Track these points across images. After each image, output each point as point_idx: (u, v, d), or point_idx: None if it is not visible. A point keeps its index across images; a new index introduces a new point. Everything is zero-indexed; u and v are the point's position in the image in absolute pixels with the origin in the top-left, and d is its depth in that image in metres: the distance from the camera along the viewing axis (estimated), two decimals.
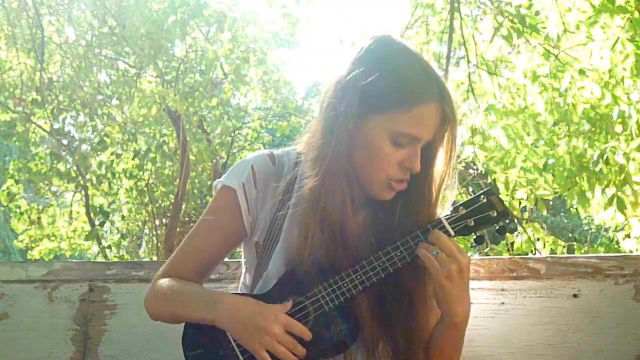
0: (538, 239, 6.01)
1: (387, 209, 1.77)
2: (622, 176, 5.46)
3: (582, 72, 5.51)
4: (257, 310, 1.63)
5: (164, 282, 1.81)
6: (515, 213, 5.90)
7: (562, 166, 6.02)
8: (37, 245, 11.31)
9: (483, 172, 6.16)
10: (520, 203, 6.26)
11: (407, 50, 1.75)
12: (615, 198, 5.50)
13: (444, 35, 6.10)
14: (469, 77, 5.83)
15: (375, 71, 1.67)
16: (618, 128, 5.71)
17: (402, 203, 1.77)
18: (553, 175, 6.12)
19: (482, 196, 1.72)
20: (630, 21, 5.04)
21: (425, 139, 1.70)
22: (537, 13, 5.98)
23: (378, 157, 1.68)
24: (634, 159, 5.47)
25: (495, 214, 1.71)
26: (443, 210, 1.77)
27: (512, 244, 5.94)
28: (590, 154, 5.86)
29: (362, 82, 1.66)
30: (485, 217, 1.71)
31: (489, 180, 6.21)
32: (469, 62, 5.88)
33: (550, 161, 6.09)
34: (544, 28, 5.79)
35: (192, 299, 1.74)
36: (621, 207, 5.49)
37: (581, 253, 5.84)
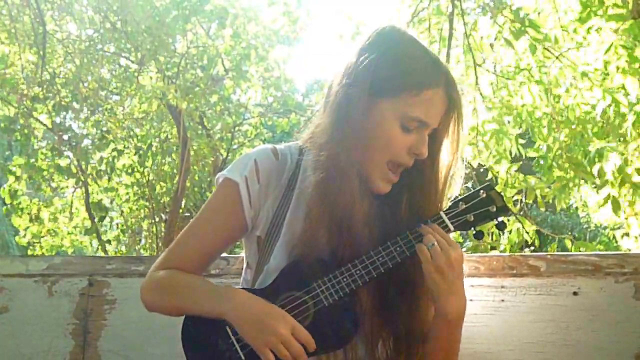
0: (527, 232, 6.07)
1: (393, 201, 1.78)
2: (621, 176, 5.48)
3: (584, 74, 5.54)
4: (266, 309, 1.63)
5: (165, 273, 1.81)
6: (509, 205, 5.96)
7: (553, 160, 6.07)
8: (39, 242, 11.30)
9: (482, 170, 6.19)
10: (514, 196, 6.31)
11: (413, 39, 1.79)
12: (611, 198, 5.52)
13: (443, 32, 6.11)
14: (474, 72, 5.84)
15: (386, 56, 1.70)
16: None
17: (408, 194, 1.78)
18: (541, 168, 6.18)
19: (481, 191, 1.72)
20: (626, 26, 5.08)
21: (432, 125, 1.71)
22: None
23: (387, 141, 1.70)
24: (632, 162, 5.50)
25: (495, 209, 1.71)
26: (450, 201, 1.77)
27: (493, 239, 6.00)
28: (586, 151, 5.90)
29: (373, 67, 1.68)
30: (485, 212, 1.71)
31: (488, 177, 6.24)
32: (475, 62, 5.89)
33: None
34: (541, 27, 5.81)
35: (200, 292, 1.74)
36: (616, 207, 5.51)
37: (579, 250, 5.87)
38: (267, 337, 1.59)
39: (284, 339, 1.59)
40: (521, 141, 6.33)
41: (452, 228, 1.69)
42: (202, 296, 1.72)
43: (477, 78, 5.89)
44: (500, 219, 1.73)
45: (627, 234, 6.79)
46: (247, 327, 1.63)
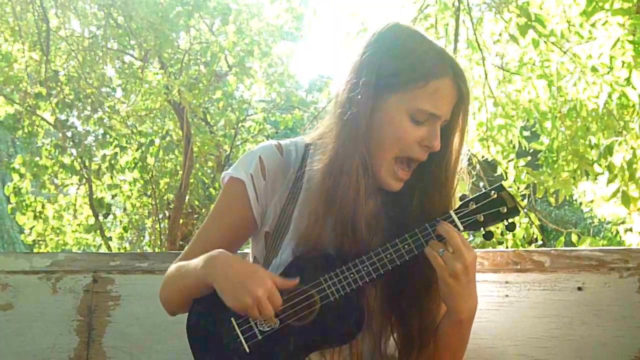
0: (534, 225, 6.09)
1: (404, 197, 1.77)
2: (630, 171, 5.48)
3: (594, 69, 5.53)
4: (249, 270, 1.64)
5: (172, 266, 1.82)
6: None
7: (557, 153, 6.07)
8: (44, 240, 11.31)
9: (489, 162, 6.20)
10: (522, 191, 6.32)
11: (418, 32, 1.78)
12: (621, 192, 5.51)
13: (449, 28, 6.11)
14: (483, 68, 5.84)
15: (390, 51, 1.70)
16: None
17: (419, 189, 1.77)
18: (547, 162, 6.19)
19: (492, 192, 1.71)
20: (631, 19, 5.07)
21: (444, 116, 1.70)
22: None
23: (398, 135, 1.69)
24: None
25: (506, 210, 1.70)
26: (457, 194, 1.76)
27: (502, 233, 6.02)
28: (595, 144, 5.90)
29: (378, 63, 1.68)
30: (496, 213, 1.70)
31: (497, 172, 6.25)
32: (483, 57, 5.88)
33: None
34: (547, 22, 5.80)
35: (191, 263, 1.74)
36: (626, 201, 5.51)
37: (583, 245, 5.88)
38: (244, 298, 1.59)
39: (259, 301, 1.59)
40: (525, 133, 6.34)
41: (461, 228, 1.68)
42: (193, 265, 1.72)
43: (486, 74, 5.88)
44: (510, 220, 1.72)
45: (630, 229, 6.79)
46: (228, 287, 1.62)
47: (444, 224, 1.67)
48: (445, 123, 1.73)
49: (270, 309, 1.59)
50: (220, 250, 1.70)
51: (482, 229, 1.72)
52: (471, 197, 1.72)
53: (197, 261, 1.71)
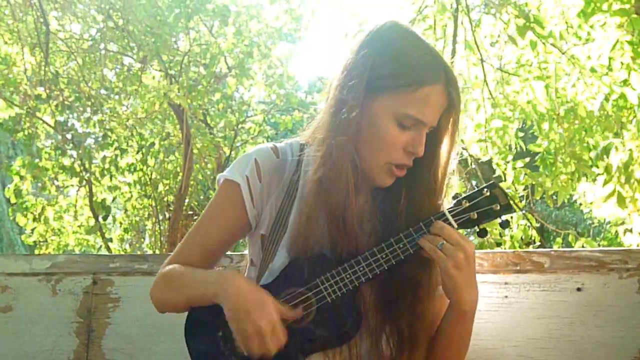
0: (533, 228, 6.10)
1: (392, 197, 1.77)
2: (626, 173, 5.49)
3: (593, 70, 5.53)
4: (258, 300, 1.62)
5: (167, 269, 1.82)
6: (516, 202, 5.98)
7: (555, 155, 6.09)
8: (45, 241, 11.31)
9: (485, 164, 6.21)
10: (520, 193, 6.33)
11: (415, 34, 1.76)
12: (616, 193, 5.53)
13: (447, 29, 6.12)
14: (482, 69, 5.84)
15: (383, 52, 1.69)
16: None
17: (407, 191, 1.76)
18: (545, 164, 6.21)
19: (485, 189, 1.71)
20: (630, 21, 5.08)
21: (430, 123, 1.70)
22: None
23: (382, 139, 1.69)
24: (638, 158, 5.51)
25: (499, 208, 1.70)
26: (448, 197, 1.76)
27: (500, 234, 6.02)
28: (592, 145, 5.92)
29: (370, 63, 1.68)
30: (489, 210, 1.70)
31: (495, 174, 6.25)
32: (482, 58, 5.89)
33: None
34: (546, 23, 5.81)
35: (199, 275, 1.74)
36: (621, 202, 5.52)
37: (582, 246, 5.88)
38: (246, 326, 1.58)
39: (261, 334, 1.58)
40: (521, 134, 6.35)
41: (455, 226, 1.68)
42: (199, 280, 1.72)
43: (485, 75, 5.89)
44: (504, 217, 1.72)
45: (630, 230, 6.79)
46: (233, 313, 1.61)
47: (439, 222, 1.67)
48: (433, 129, 1.72)
49: (270, 343, 1.58)
50: (233, 271, 1.72)
51: (476, 226, 1.72)
52: (464, 195, 1.72)
53: (207, 276, 1.71)
